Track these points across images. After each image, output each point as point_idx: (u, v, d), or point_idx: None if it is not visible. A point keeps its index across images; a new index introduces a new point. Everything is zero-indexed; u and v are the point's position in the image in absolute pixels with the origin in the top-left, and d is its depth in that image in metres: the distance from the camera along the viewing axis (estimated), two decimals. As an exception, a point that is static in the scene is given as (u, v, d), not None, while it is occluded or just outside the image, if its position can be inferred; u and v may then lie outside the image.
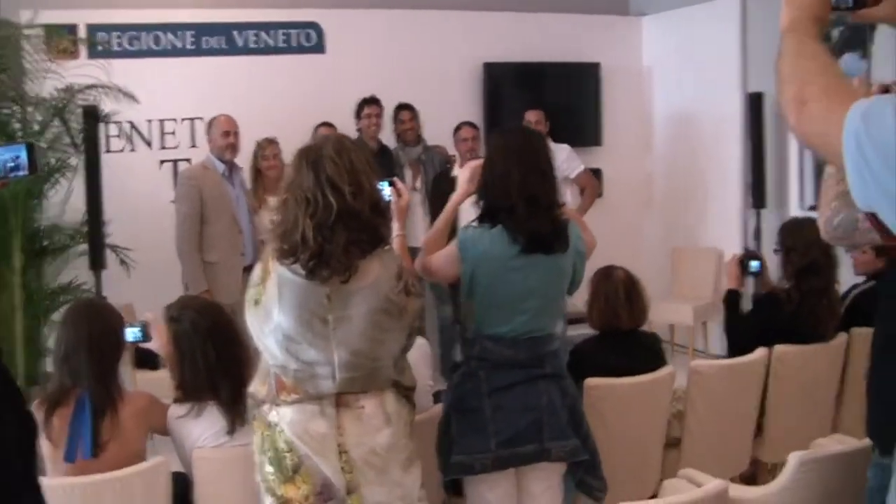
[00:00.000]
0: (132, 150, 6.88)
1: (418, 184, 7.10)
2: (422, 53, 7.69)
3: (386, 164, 6.97)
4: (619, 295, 3.94)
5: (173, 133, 7.07)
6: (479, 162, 3.43)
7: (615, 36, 8.46)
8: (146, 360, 5.82)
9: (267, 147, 6.43)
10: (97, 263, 5.51)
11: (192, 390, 3.34)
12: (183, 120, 7.02)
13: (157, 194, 6.71)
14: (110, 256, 6.03)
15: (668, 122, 8.37)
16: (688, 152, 8.11)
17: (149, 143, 7.02)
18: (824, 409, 4.47)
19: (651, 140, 8.51)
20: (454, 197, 3.46)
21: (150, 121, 6.95)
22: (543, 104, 7.60)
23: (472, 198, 3.36)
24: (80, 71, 6.02)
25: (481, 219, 3.29)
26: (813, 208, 6.77)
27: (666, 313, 7.43)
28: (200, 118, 6.95)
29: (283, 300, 2.85)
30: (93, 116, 5.56)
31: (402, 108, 7.14)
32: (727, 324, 4.67)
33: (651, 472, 4.02)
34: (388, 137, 7.21)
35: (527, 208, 3.16)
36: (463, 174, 3.45)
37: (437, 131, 7.23)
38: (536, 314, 3.26)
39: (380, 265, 2.91)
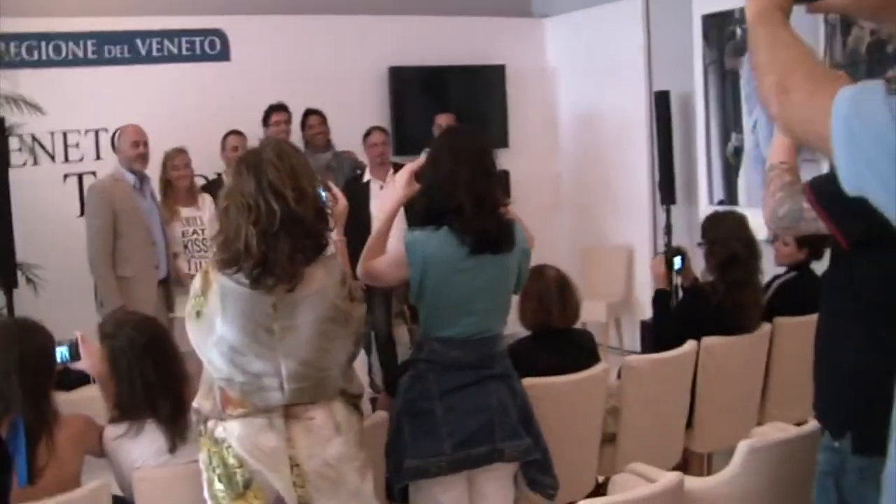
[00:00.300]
0: (35, 163, 6.65)
1: (330, 190, 7.01)
2: (327, 58, 7.64)
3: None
4: (552, 294, 3.94)
5: (77, 145, 6.85)
6: (415, 164, 3.40)
7: (519, 38, 8.54)
8: (60, 380, 5.64)
9: (176, 157, 6.30)
10: (9, 283, 5.29)
11: (129, 409, 3.24)
12: (87, 132, 6.81)
13: (63, 209, 6.52)
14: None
15: (573, 123, 8.49)
16: (595, 152, 8.23)
17: (52, 157, 6.79)
18: (752, 398, 4.57)
19: (557, 141, 8.61)
20: (391, 201, 3.41)
21: (52, 133, 6.73)
22: (450, 107, 7.65)
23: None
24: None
25: (424, 220, 3.26)
26: (721, 203, 6.93)
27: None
28: (105, 129, 6.79)
29: (226, 311, 2.79)
30: (0, 129, 5.35)
31: (311, 113, 7.07)
32: (656, 322, 4.73)
33: (589, 468, 4.06)
34: (296, 144, 7.11)
35: (474, 209, 3.14)
36: (399, 178, 3.41)
37: (344, 137, 7.18)
38: (485, 315, 3.25)
39: (324, 272, 2.87)
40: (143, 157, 6.05)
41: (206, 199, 6.40)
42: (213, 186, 6.55)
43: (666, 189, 7.35)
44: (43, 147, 6.74)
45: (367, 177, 6.97)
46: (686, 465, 4.48)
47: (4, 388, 3.08)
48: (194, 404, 2.98)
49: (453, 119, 7.19)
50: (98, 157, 6.83)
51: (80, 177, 6.81)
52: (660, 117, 7.31)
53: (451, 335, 3.22)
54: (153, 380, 3.18)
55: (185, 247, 6.27)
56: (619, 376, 4.28)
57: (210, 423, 2.89)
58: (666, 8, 7.51)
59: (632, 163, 7.88)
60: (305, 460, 2.82)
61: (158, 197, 6.24)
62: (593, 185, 8.25)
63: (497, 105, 8.06)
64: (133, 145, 6.00)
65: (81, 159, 6.83)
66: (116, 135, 6.16)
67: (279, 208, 2.72)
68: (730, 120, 7.02)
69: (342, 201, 3.20)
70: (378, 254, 3.27)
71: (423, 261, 3.15)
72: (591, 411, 4.04)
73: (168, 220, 6.18)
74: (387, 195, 3.47)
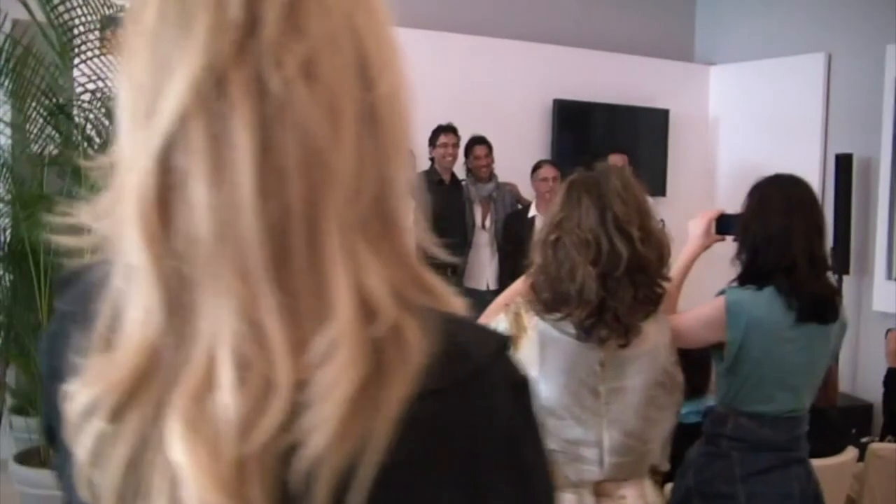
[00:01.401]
0: None
1: (487, 222, 6.68)
2: (489, 83, 7.28)
3: (458, 198, 6.55)
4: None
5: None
6: (713, 212, 3.03)
7: (683, 83, 8.15)
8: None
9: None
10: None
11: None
12: None
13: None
14: None
15: (733, 177, 8.05)
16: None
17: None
18: None
19: (714, 194, 8.18)
20: (687, 252, 3.04)
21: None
22: (615, 147, 7.28)
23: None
24: None
25: (743, 279, 2.87)
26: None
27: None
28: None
29: (545, 364, 2.40)
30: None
31: (477, 141, 6.71)
32: (887, 405, 4.33)
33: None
34: (457, 169, 6.78)
35: (809, 269, 2.74)
36: (696, 227, 3.04)
37: (501, 167, 6.84)
38: (801, 391, 2.85)
39: (656, 328, 2.49)
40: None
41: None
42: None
43: (840, 257, 6.90)
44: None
45: (532, 212, 6.60)
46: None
47: None
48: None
49: (626, 160, 6.81)
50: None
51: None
52: (840, 180, 6.87)
53: (763, 411, 2.81)
54: None
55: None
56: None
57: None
58: (851, 66, 7.10)
59: (798, 225, 7.42)
60: (613, 542, 2.43)
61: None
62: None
63: (658, 151, 7.64)
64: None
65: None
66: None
67: (625, 249, 2.34)
68: (922, 191, 6.57)
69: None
70: (669, 311, 2.86)
71: (745, 325, 2.75)
72: (835, 499, 3.64)
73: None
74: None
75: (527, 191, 6.95)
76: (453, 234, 6.42)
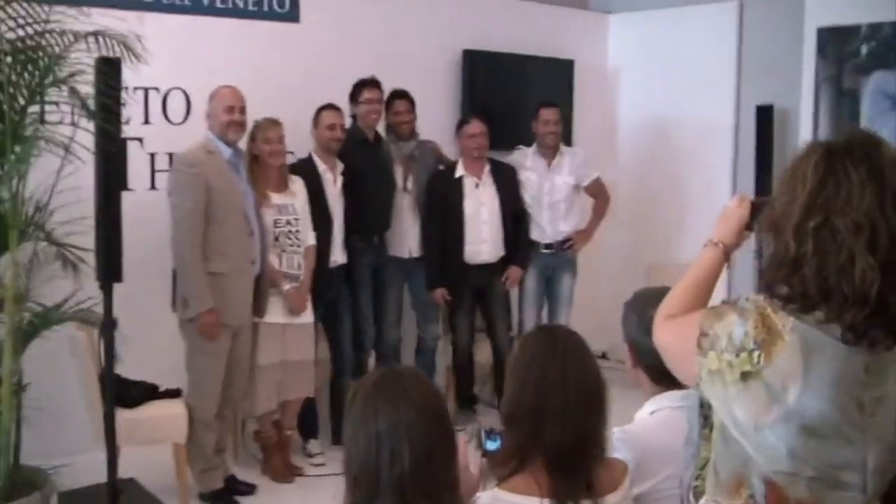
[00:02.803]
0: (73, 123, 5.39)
1: (409, 184, 6.09)
2: (400, 33, 6.67)
3: (382, 159, 5.95)
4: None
5: (122, 105, 5.62)
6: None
7: (583, 32, 7.81)
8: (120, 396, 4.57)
9: (270, 129, 5.25)
10: (111, 274, 4.12)
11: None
12: (135, 89, 5.49)
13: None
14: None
15: (635, 129, 7.82)
16: (661, 162, 7.62)
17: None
18: None
19: (615, 146, 7.91)
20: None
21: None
22: (524, 100, 6.89)
23: None
24: None
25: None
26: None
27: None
28: (156, 88, 5.67)
29: (810, 375, 1.91)
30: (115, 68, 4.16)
31: (398, 95, 6.07)
32: None
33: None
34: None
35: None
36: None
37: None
38: None
39: None
40: (240, 126, 5.05)
41: (297, 183, 5.39)
42: (302, 169, 5.53)
43: (763, 209, 6.78)
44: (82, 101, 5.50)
45: (459, 171, 6.09)
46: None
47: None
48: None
49: (558, 114, 6.39)
50: (146, 122, 5.64)
51: (124, 142, 5.59)
52: (762, 132, 6.73)
53: None
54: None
55: (276, 239, 5.23)
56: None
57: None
58: (765, 15, 6.95)
59: (710, 177, 7.28)
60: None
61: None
62: (657, 197, 7.62)
63: (565, 102, 7.23)
64: (227, 110, 5.00)
65: (127, 122, 5.56)
66: (209, 97, 5.08)
67: None
68: (845, 141, 6.49)
69: None
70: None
71: None
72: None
73: (260, 205, 5.15)
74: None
75: (450, 149, 6.44)
76: (381, 198, 5.88)
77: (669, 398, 2.70)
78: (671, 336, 2.11)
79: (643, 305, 2.75)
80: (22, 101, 3.96)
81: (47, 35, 4.04)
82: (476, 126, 6.08)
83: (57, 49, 4.07)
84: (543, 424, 2.38)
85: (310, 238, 5.40)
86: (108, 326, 4.13)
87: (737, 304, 2.01)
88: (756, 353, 1.90)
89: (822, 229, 1.90)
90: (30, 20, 3.94)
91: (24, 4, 3.88)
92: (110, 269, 4.12)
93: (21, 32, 3.94)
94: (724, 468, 2.05)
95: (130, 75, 4.44)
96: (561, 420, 2.37)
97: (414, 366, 2.60)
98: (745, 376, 1.90)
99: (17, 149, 3.96)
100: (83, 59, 4.13)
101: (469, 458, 2.44)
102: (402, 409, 1.99)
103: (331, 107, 5.60)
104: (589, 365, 2.44)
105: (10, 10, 3.87)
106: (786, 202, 1.94)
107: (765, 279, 1.99)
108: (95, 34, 4.19)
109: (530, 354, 2.46)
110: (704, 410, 2.13)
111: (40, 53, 4.02)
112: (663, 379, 2.57)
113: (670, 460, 2.58)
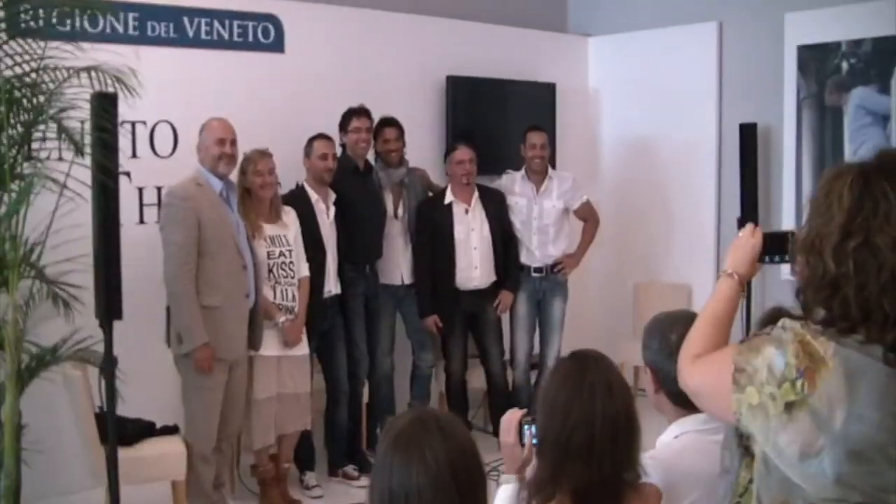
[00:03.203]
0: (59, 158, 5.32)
1: (400, 211, 6.09)
2: (383, 61, 6.67)
3: (372, 187, 5.94)
4: None
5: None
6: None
7: (563, 55, 7.85)
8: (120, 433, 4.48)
9: (259, 161, 5.23)
10: (112, 311, 4.07)
11: None
12: (122, 122, 5.46)
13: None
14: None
15: (617, 150, 7.86)
16: (644, 182, 7.66)
17: (80, 151, 5.45)
18: None
19: (598, 167, 7.94)
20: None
21: (82, 122, 5.42)
22: (508, 124, 6.93)
23: None
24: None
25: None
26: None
27: (635, 353, 6.86)
28: (143, 122, 5.62)
29: (856, 400, 1.89)
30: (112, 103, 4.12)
31: (387, 123, 6.08)
32: None
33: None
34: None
35: None
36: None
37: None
38: None
39: None
40: (231, 158, 5.03)
41: (290, 214, 5.37)
42: (294, 199, 5.51)
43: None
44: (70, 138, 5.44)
45: (448, 198, 6.09)
46: None
47: None
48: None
49: (545, 139, 6.42)
50: (134, 155, 5.59)
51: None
52: (746, 150, 6.78)
53: None
54: None
55: (270, 271, 5.20)
56: None
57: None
58: (745, 35, 7.03)
59: (694, 196, 7.33)
60: None
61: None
62: (642, 217, 7.65)
63: (547, 125, 7.22)
64: (218, 143, 4.97)
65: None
66: (200, 129, 5.05)
67: None
68: (828, 157, 6.55)
69: None
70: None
71: None
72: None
73: (252, 238, 5.12)
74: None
75: (436, 176, 6.45)
76: (373, 227, 5.85)
77: (693, 422, 2.69)
78: (702, 377, 2.07)
79: (663, 329, 2.75)
80: (17, 139, 3.90)
81: (41, 72, 4.00)
82: (464, 152, 6.10)
83: (52, 85, 4.05)
84: (568, 461, 2.36)
85: (303, 269, 5.38)
86: (109, 364, 4.06)
87: (771, 334, 1.98)
88: (800, 382, 1.87)
89: (861, 249, 1.89)
90: (27, 57, 3.89)
91: (21, 42, 3.84)
92: (110, 306, 4.07)
93: (18, 70, 3.89)
94: (768, 496, 2.03)
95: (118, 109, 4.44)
96: (587, 458, 2.34)
97: (449, 412, 2.50)
98: (789, 407, 1.87)
99: (15, 186, 3.91)
100: (79, 95, 4.10)
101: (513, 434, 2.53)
102: (413, 474, 1.91)
103: (322, 136, 5.59)
104: (618, 399, 2.39)
105: (7, 48, 3.82)
106: (822, 224, 1.94)
107: (803, 302, 1.99)
108: (89, 69, 4.16)
109: (556, 387, 2.43)
110: (744, 441, 2.10)
111: (35, 91, 3.98)
112: (686, 403, 2.56)
113: (698, 484, 2.57)
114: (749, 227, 2.27)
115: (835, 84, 6.54)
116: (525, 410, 2.62)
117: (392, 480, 1.94)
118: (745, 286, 2.22)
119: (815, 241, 1.96)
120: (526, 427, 2.56)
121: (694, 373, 2.08)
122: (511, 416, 2.62)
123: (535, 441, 2.51)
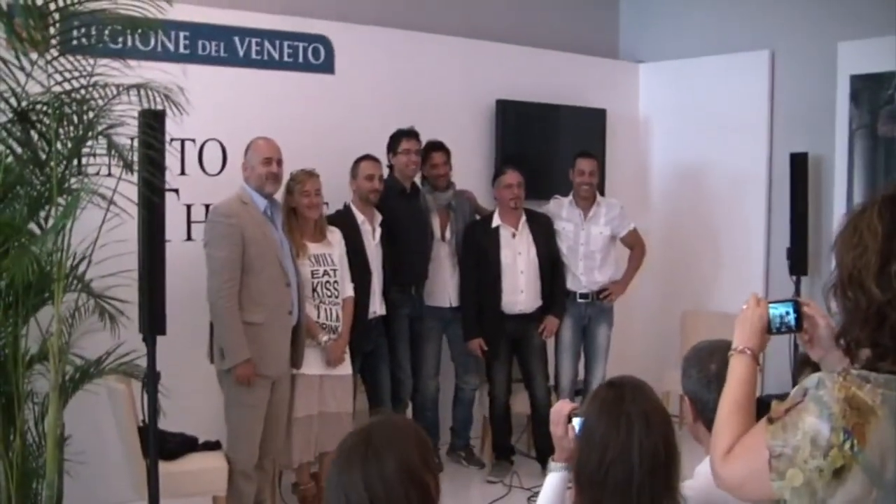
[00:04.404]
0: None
1: (448, 234, 6.10)
2: (433, 84, 6.70)
3: (419, 210, 5.95)
4: None
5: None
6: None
7: (614, 81, 7.83)
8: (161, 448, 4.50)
9: (307, 181, 5.26)
10: (155, 326, 4.11)
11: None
12: (171, 140, 5.54)
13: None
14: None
15: (668, 177, 7.80)
16: (694, 210, 7.58)
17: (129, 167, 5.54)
18: None
19: (648, 194, 7.89)
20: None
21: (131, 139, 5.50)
22: (557, 149, 6.91)
23: None
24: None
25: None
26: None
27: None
28: (192, 140, 5.68)
29: None
30: (159, 120, 4.17)
31: (435, 147, 6.12)
32: None
33: None
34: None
35: None
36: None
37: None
38: None
39: None
40: (276, 178, 5.05)
41: (335, 234, 5.39)
42: (340, 220, 5.53)
43: (798, 258, 6.75)
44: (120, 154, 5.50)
45: (496, 222, 6.08)
46: None
47: None
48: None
49: (595, 165, 6.39)
50: (182, 172, 5.65)
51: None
52: (795, 180, 6.70)
53: None
54: None
55: (314, 290, 5.22)
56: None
57: None
58: (798, 63, 6.95)
59: (743, 226, 7.26)
60: None
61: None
62: (691, 246, 7.58)
63: (597, 151, 7.19)
64: (265, 162, 4.99)
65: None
66: (245, 148, 5.10)
67: None
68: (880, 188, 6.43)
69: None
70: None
71: None
72: None
73: (295, 256, 5.14)
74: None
75: (484, 198, 6.45)
76: (419, 249, 5.87)
77: (732, 452, 2.63)
78: (739, 473, 1.94)
79: (702, 359, 2.70)
80: (66, 154, 3.96)
81: (91, 88, 4.06)
82: (512, 177, 6.08)
83: (101, 102, 4.10)
84: (605, 497, 2.30)
85: (348, 289, 5.39)
86: (152, 379, 4.10)
87: (806, 400, 1.89)
88: (848, 442, 1.77)
89: None
90: (76, 73, 3.96)
91: (71, 58, 3.91)
92: (154, 321, 4.11)
93: (67, 86, 3.95)
94: None
95: (167, 126, 4.51)
96: (624, 494, 2.28)
97: (405, 421, 2.43)
98: (838, 473, 1.76)
99: (62, 201, 3.97)
100: (128, 112, 4.15)
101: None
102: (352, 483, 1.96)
103: (369, 157, 5.61)
104: (656, 431, 2.28)
105: (57, 64, 3.89)
106: (856, 256, 1.88)
107: (845, 344, 1.91)
108: (138, 86, 4.21)
109: (594, 418, 2.37)
110: None
111: (84, 107, 4.04)
112: (726, 432, 2.51)
113: (736, 515, 2.52)
114: (753, 297, 2.20)
115: (888, 114, 6.44)
116: (575, 404, 2.58)
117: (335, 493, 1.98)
118: (758, 361, 2.13)
119: (852, 273, 1.89)
120: (575, 419, 2.52)
121: (729, 470, 1.97)
122: (560, 408, 2.57)
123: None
